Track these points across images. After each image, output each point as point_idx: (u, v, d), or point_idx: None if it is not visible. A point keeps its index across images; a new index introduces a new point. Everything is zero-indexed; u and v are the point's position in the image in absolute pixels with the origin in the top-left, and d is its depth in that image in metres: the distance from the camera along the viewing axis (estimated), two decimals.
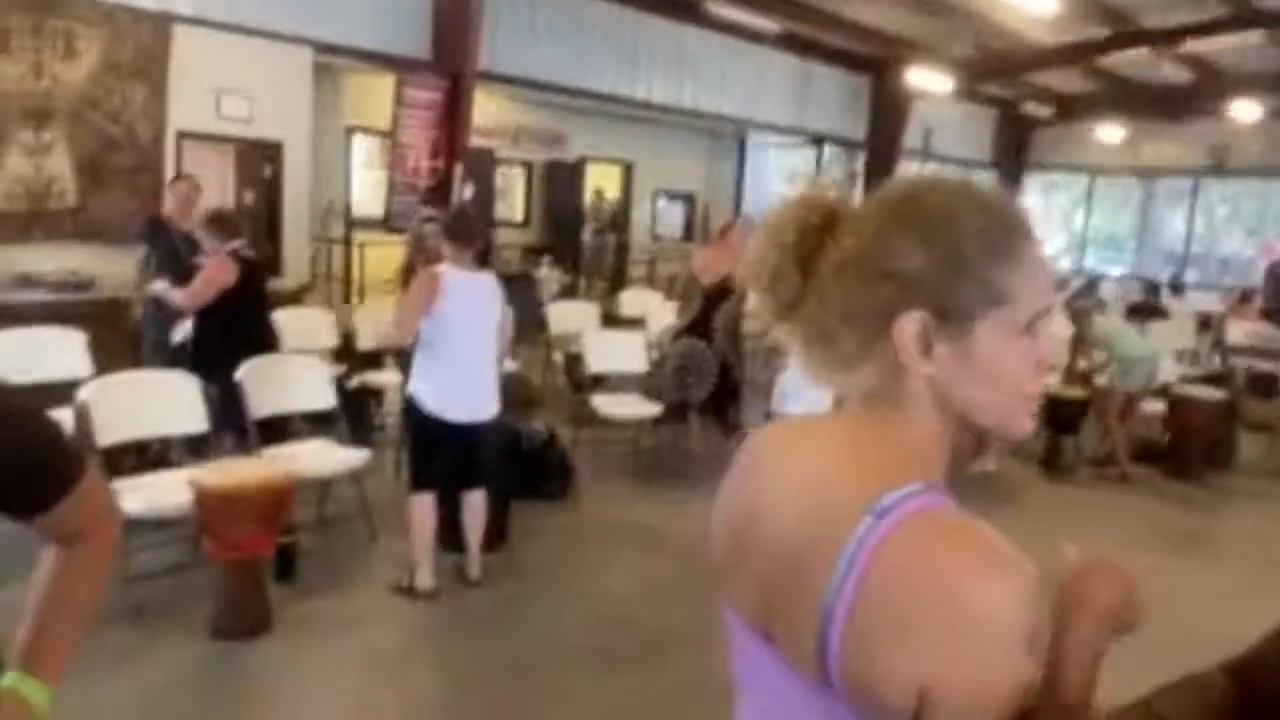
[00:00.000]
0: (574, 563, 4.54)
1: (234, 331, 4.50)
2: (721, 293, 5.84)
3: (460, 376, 3.88)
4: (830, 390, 0.96)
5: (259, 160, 8.46)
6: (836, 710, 0.84)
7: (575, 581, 4.32)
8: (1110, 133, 15.50)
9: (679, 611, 3.97)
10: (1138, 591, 0.93)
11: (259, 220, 8.22)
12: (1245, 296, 11.10)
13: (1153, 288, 11.77)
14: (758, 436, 1.04)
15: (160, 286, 4.86)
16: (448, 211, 4.10)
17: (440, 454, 3.96)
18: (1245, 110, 13.00)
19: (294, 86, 8.26)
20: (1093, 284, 10.85)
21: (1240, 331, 9.85)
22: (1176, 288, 13.45)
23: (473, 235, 3.93)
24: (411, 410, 3.95)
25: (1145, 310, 9.12)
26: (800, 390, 4.61)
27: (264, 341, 4.68)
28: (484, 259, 6.53)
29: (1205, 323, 10.31)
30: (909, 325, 0.85)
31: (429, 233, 4.98)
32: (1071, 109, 15.48)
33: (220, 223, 4.63)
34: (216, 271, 4.49)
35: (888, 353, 0.87)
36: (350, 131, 10.97)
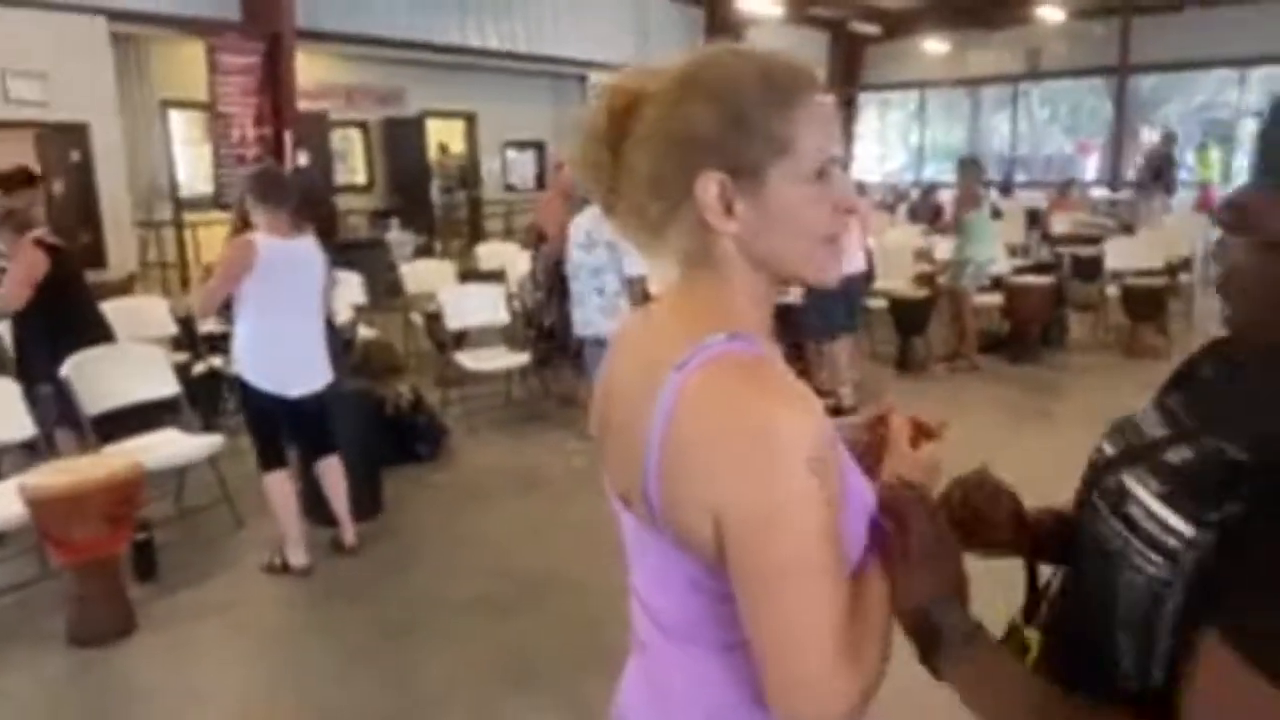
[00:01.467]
0: (451, 520, 4.50)
1: (57, 326, 4.19)
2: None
3: (286, 350, 3.67)
4: (653, 264, 1.00)
5: (63, 145, 7.82)
6: (670, 553, 0.92)
7: (453, 538, 4.28)
8: (936, 46, 16.13)
9: (559, 553, 4.01)
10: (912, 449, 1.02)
11: (71, 210, 7.63)
12: (1064, 189, 11.89)
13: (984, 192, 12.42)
14: (618, 331, 1.11)
15: None
16: (251, 173, 3.77)
17: (279, 429, 3.79)
18: (1052, 12, 13.76)
19: (92, 61, 7.64)
20: (929, 192, 11.37)
21: (1063, 222, 10.56)
22: (1006, 188, 14.24)
23: (283, 195, 3.64)
24: (241, 388, 3.73)
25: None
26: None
27: (92, 333, 4.37)
28: (328, 225, 6.26)
29: (1034, 218, 10.99)
30: (709, 186, 0.89)
31: None
32: (898, 25, 16.01)
33: (7, 217, 4.28)
34: (26, 265, 4.15)
35: (692, 215, 0.91)
36: (165, 106, 10.25)
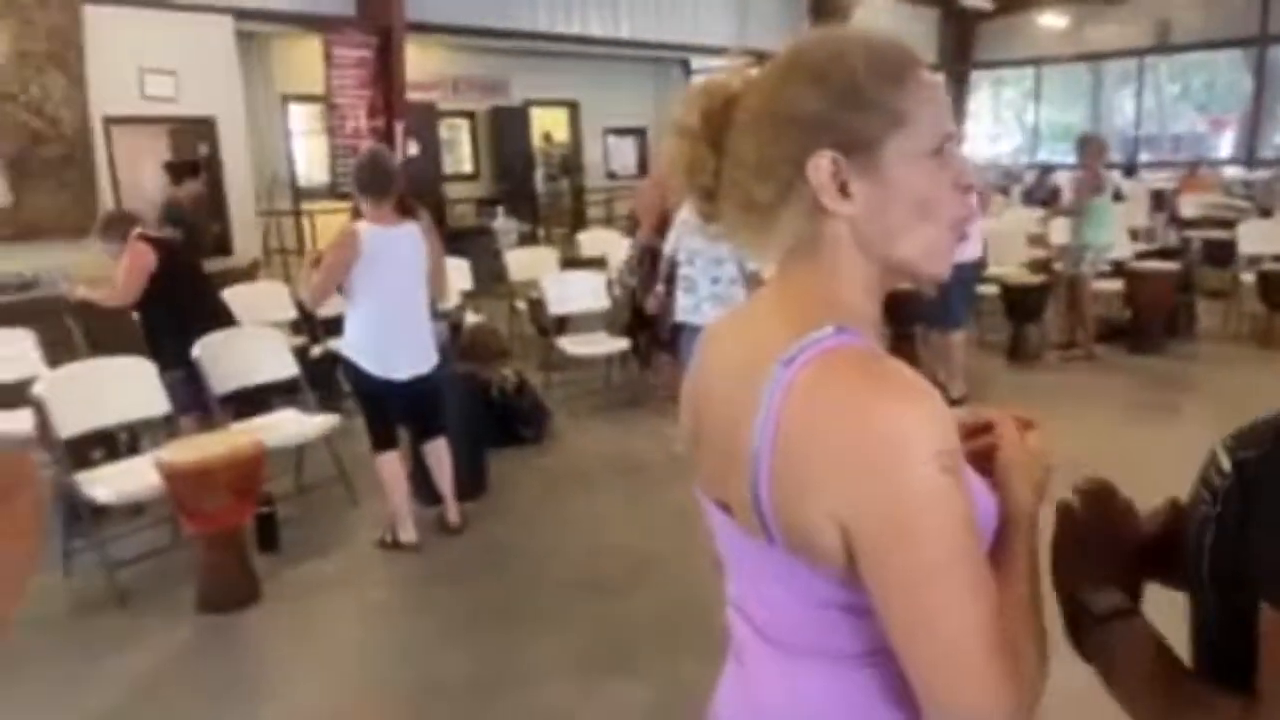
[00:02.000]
0: (554, 501, 4.59)
1: (178, 314, 4.43)
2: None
3: (392, 334, 3.77)
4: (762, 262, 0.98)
5: (193, 139, 8.25)
6: (786, 564, 0.85)
7: (557, 519, 4.37)
8: (1053, 20, 15.38)
9: (661, 535, 4.03)
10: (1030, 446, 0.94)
11: (203, 201, 8.05)
12: (1194, 169, 11.19)
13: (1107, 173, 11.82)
14: (709, 325, 1.07)
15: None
16: (357, 162, 3.89)
17: (389, 412, 3.92)
18: None
19: (219, 58, 8.02)
20: (1045, 174, 10.89)
21: (1193, 204, 9.96)
22: (1130, 169, 13.51)
23: (387, 185, 3.71)
24: (350, 373, 3.86)
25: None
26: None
27: (213, 319, 4.61)
28: (436, 208, 6.43)
29: (1160, 200, 10.39)
30: (821, 164, 0.86)
31: None
32: (1011, 0, 15.33)
33: (109, 225, 4.59)
34: (134, 259, 4.40)
35: (806, 198, 0.87)
36: (285, 99, 10.70)
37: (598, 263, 7.67)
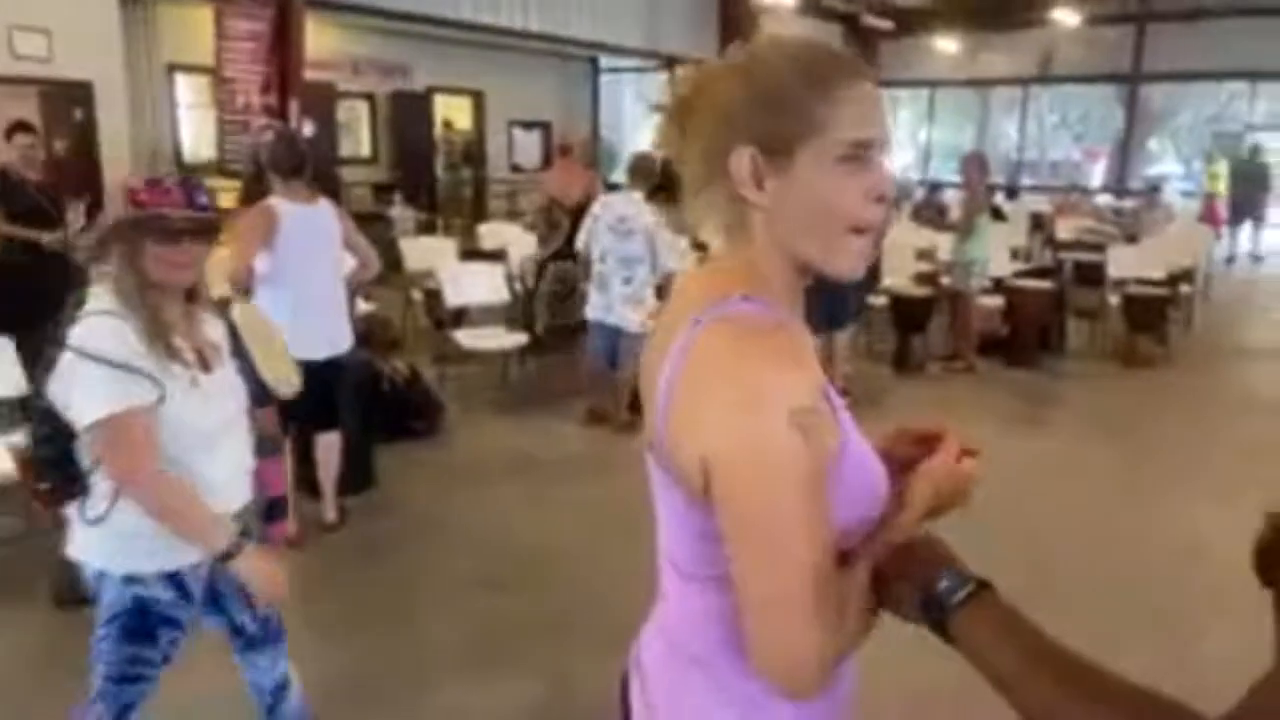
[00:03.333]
0: (445, 496, 4.50)
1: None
2: (582, 211, 5.77)
3: (308, 312, 3.69)
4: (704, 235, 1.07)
5: (67, 104, 7.74)
6: (678, 497, 0.98)
7: (447, 514, 4.28)
8: (947, 44, 16.05)
9: (555, 532, 4.01)
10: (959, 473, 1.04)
11: (72, 170, 7.57)
12: (1069, 195, 11.87)
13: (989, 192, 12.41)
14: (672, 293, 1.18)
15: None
16: (269, 139, 3.80)
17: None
18: (1066, 16, 13.69)
19: (98, 20, 7.56)
20: (934, 191, 11.34)
21: (1068, 228, 10.54)
22: (1012, 192, 14.21)
23: (301, 164, 3.68)
24: None
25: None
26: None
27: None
28: (333, 196, 6.25)
29: (1038, 222, 10.96)
30: (740, 159, 0.95)
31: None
32: (910, 22, 15.91)
33: None
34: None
35: (728, 187, 0.97)
36: (172, 69, 10.18)
37: (498, 255, 7.58)
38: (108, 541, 1.90)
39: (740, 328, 0.92)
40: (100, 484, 1.86)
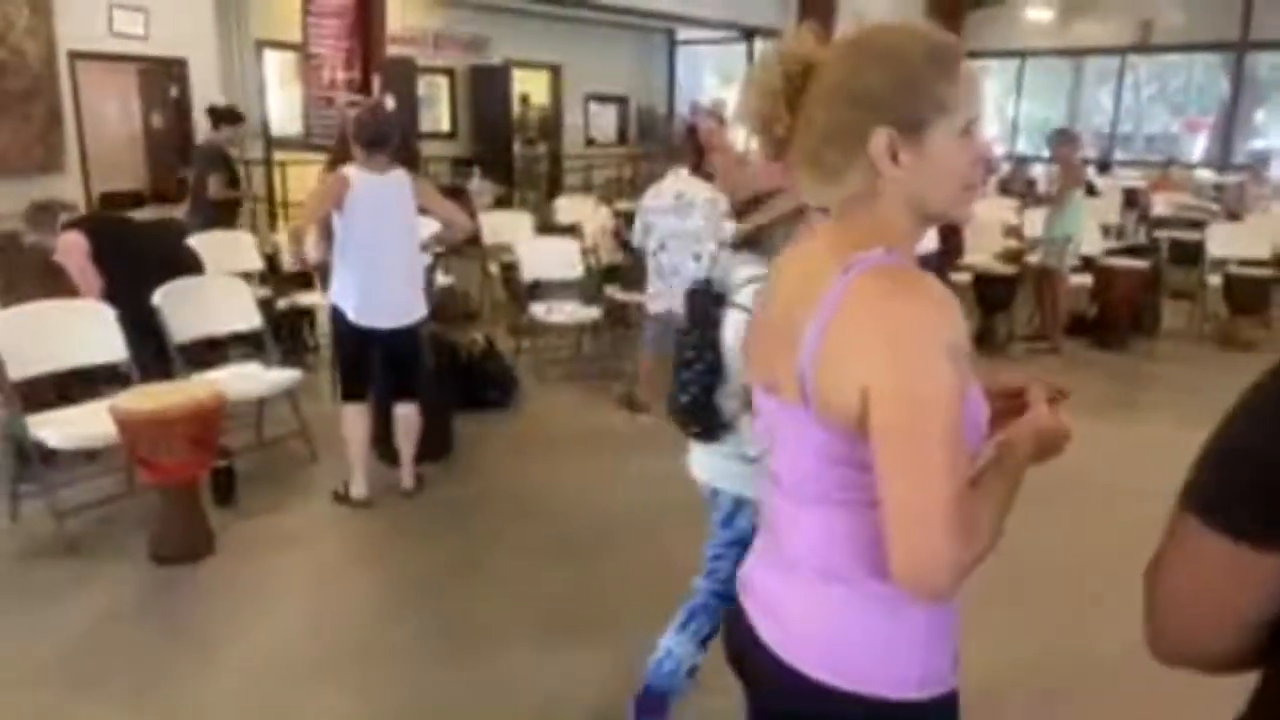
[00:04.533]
0: (519, 465, 4.56)
1: (124, 287, 4.22)
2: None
3: (377, 283, 3.75)
4: (819, 203, 1.18)
5: (163, 80, 8.03)
6: (813, 425, 1.09)
7: (520, 483, 4.34)
8: (1039, 12, 15.40)
9: (628, 501, 4.03)
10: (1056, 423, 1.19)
11: (169, 144, 7.85)
12: (1166, 169, 11.32)
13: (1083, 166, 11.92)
14: (777, 259, 1.30)
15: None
16: (358, 114, 3.89)
17: (366, 363, 3.89)
18: None
19: None
20: (1020, 165, 10.96)
21: (1164, 204, 10.07)
22: (1105, 166, 13.63)
23: (383, 138, 3.71)
24: (335, 320, 3.85)
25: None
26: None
27: (171, 273, 4.43)
28: (411, 164, 6.34)
29: (1132, 198, 10.49)
30: (880, 139, 1.07)
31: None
32: None
33: (34, 216, 4.57)
34: (68, 254, 4.28)
35: (865, 162, 1.08)
36: (260, 46, 10.44)
37: (572, 230, 7.60)
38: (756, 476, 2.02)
39: (893, 275, 1.05)
40: (746, 430, 2.10)
